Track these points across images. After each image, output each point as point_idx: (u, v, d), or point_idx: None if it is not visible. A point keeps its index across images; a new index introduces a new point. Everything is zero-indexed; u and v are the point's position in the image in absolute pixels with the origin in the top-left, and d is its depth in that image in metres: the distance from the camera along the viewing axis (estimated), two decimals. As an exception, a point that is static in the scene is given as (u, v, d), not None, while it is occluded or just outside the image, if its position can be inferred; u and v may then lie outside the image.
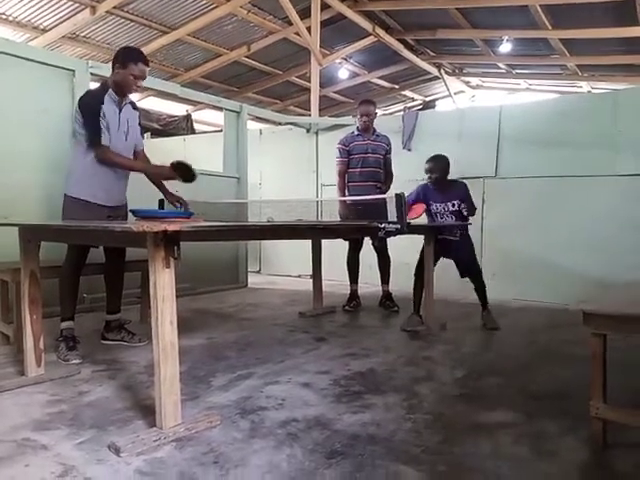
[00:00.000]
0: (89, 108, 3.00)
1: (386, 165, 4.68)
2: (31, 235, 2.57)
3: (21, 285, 2.58)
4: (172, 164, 3.08)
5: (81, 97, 3.10)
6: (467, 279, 4.11)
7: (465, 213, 3.99)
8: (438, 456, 1.86)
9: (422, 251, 4.02)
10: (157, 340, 1.95)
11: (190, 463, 1.78)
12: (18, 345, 2.94)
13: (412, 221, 3.78)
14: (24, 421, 2.12)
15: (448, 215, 4.03)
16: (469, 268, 4.07)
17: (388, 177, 4.68)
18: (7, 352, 3.12)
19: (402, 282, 4.99)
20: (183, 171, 3.07)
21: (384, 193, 4.36)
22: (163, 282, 1.94)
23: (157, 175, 3.24)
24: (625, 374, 2.65)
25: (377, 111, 4.76)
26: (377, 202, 4.08)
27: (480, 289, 4.06)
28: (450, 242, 4.00)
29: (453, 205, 4.00)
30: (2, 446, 1.89)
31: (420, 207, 4.03)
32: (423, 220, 4.13)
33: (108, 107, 3.04)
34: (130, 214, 3.11)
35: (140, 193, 3.37)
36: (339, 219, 4.52)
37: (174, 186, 3.36)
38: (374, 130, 4.64)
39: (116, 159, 3.06)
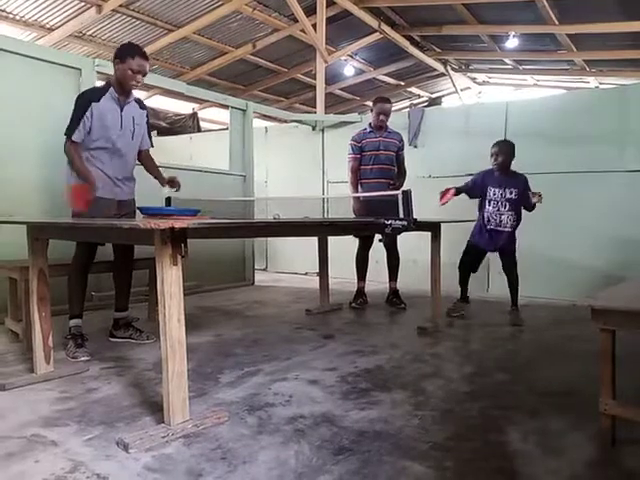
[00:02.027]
0: (77, 104, 3.06)
1: (399, 162, 4.66)
2: (39, 233, 2.58)
3: (30, 283, 2.59)
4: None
5: (79, 94, 3.16)
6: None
7: (516, 200, 4.01)
8: (445, 452, 1.86)
9: (467, 243, 4.19)
10: (165, 337, 1.95)
11: (198, 459, 1.78)
12: (27, 343, 2.97)
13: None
14: (33, 418, 2.13)
15: (504, 203, 4.04)
16: (510, 262, 4.11)
17: (401, 174, 4.66)
18: (16, 349, 3.15)
19: (409, 279, 5.00)
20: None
21: (397, 190, 4.34)
22: (170, 279, 1.94)
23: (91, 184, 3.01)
24: (632, 370, 2.64)
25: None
26: (388, 199, 4.07)
27: (514, 285, 4.11)
28: (501, 234, 4.05)
29: (511, 192, 4.02)
30: (12, 442, 1.90)
31: (449, 193, 4.03)
32: (466, 210, 4.21)
33: (106, 105, 3.05)
34: (138, 212, 3.14)
35: (148, 192, 3.38)
36: (349, 215, 4.52)
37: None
38: (386, 127, 4.63)
39: (72, 157, 3.03)
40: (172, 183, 3.35)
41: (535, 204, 4.03)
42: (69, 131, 3.03)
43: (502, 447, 1.91)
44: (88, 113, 3.00)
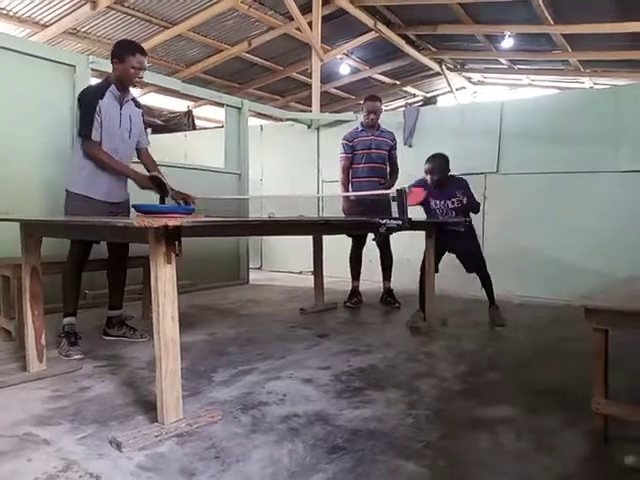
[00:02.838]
0: (85, 102, 3.01)
1: (391, 161, 4.67)
2: (32, 231, 2.57)
3: (22, 281, 2.58)
4: (150, 176, 3.09)
5: (82, 91, 3.12)
6: (472, 275, 4.09)
7: (460, 207, 3.93)
8: (439, 451, 1.87)
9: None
10: (158, 336, 1.95)
11: (191, 458, 1.78)
12: (20, 341, 2.95)
13: (413, 215, 3.78)
14: (26, 416, 2.12)
15: (448, 212, 4.01)
16: (474, 262, 4.03)
17: (393, 173, 4.67)
18: (9, 348, 3.13)
19: (403, 278, 5.01)
20: (158, 185, 3.08)
21: (388, 189, 4.34)
22: (164, 277, 1.94)
23: (137, 182, 3.15)
24: (626, 369, 2.65)
25: (382, 107, 4.74)
26: (380, 198, 4.08)
27: (487, 285, 4.04)
28: (455, 234, 3.92)
29: (452, 203, 3.97)
30: (4, 441, 1.89)
31: (418, 194, 3.91)
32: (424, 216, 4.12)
33: (109, 103, 3.04)
34: (133, 210, 3.12)
35: (144, 190, 3.36)
36: (343, 215, 4.51)
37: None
38: (379, 126, 4.63)
39: (102, 157, 3.03)
40: (185, 199, 3.26)
41: (479, 204, 3.99)
42: (86, 131, 2.96)
43: (496, 446, 1.92)
44: (97, 110, 2.98)
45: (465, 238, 3.96)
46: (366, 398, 2.37)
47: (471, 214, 4.04)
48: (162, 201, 3.55)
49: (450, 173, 4.05)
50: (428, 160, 3.99)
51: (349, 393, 2.44)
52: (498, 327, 3.91)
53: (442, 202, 4.00)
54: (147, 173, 3.32)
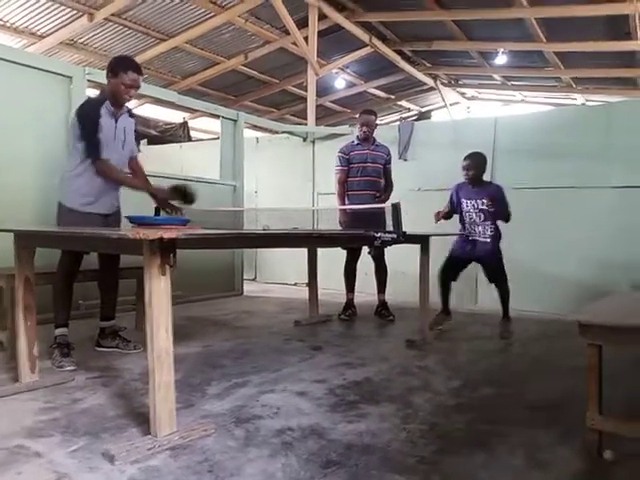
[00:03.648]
0: (87, 121, 2.99)
1: (386, 175, 4.70)
2: (26, 241, 2.56)
3: (15, 291, 2.57)
4: (171, 187, 3.12)
5: (79, 107, 3.07)
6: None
7: (490, 212, 4.03)
8: (433, 466, 1.86)
9: (449, 255, 4.20)
10: (152, 347, 1.94)
11: (185, 472, 1.76)
12: (12, 352, 2.92)
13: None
14: (17, 428, 2.10)
15: (477, 214, 4.08)
16: (496, 273, 4.09)
17: (388, 187, 4.70)
18: (0, 358, 3.09)
19: (398, 291, 5.01)
20: (181, 195, 3.10)
21: (383, 203, 4.37)
22: (158, 290, 1.93)
23: (155, 196, 3.20)
24: (621, 383, 2.66)
25: (377, 121, 4.78)
26: (375, 211, 4.11)
27: (504, 296, 4.10)
28: (481, 244, 4.08)
29: (482, 203, 4.04)
30: (-6, 453, 1.87)
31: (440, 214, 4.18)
32: (455, 224, 4.26)
33: (105, 119, 3.04)
34: (125, 220, 3.11)
35: (135, 200, 3.36)
36: (339, 227, 4.53)
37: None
38: (374, 140, 4.66)
39: (117, 175, 3.07)
40: (176, 211, 3.27)
41: (510, 213, 4.07)
42: (96, 151, 2.97)
43: (489, 461, 1.91)
44: (99, 129, 2.98)
45: (490, 250, 4.07)
46: (360, 412, 2.37)
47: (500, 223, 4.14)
48: (157, 213, 3.55)
49: (447, 188, 4.17)
50: (466, 157, 4.13)
51: (343, 407, 2.43)
52: (503, 339, 3.96)
53: (473, 202, 4.09)
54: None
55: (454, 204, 4.24)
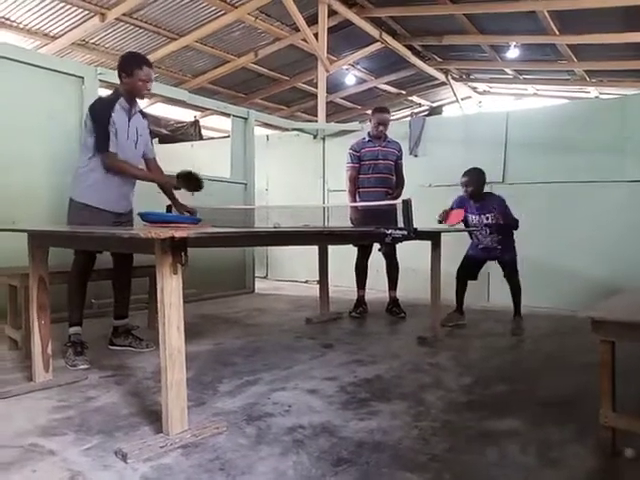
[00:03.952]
0: (99, 115, 3.02)
1: (397, 171, 4.68)
2: (40, 241, 2.58)
3: (30, 290, 2.60)
4: (178, 174, 3.14)
5: (92, 103, 3.12)
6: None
7: (496, 225, 4.09)
8: (444, 464, 1.85)
9: (465, 254, 4.27)
10: (164, 346, 1.95)
11: (197, 470, 1.78)
12: (26, 350, 2.96)
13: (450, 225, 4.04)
14: (31, 427, 2.13)
15: (483, 228, 4.14)
16: (510, 271, 4.14)
17: (399, 183, 4.68)
18: (15, 357, 3.14)
19: (409, 288, 4.99)
20: (188, 181, 3.13)
21: (395, 199, 4.35)
22: (170, 288, 1.95)
23: (163, 184, 3.27)
24: (631, 381, 2.63)
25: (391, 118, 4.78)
26: (387, 208, 4.09)
27: (516, 295, 4.14)
28: (493, 250, 4.17)
29: (487, 218, 4.11)
30: (9, 451, 1.89)
31: (459, 214, 4.13)
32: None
33: (119, 115, 3.06)
34: (137, 220, 3.14)
35: (147, 199, 3.38)
36: (350, 224, 4.52)
37: (183, 196, 3.38)
38: (385, 136, 4.64)
39: (123, 167, 3.08)
40: (190, 213, 3.35)
41: (517, 220, 4.11)
42: (104, 145, 2.99)
43: (502, 458, 1.90)
44: (111, 123, 3.01)
45: (506, 248, 4.14)
46: (372, 409, 2.36)
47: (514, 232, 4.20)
48: (169, 209, 3.58)
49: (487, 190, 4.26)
50: (464, 174, 4.19)
51: (355, 404, 2.43)
52: (514, 336, 3.96)
53: (478, 217, 4.15)
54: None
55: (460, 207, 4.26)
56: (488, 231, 4.12)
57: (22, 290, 3.03)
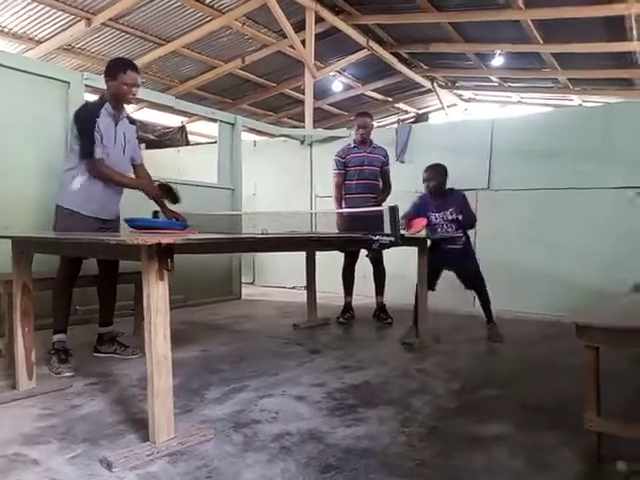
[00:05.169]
0: (84, 120, 3.00)
1: (384, 177, 4.69)
2: (24, 247, 2.55)
3: (13, 297, 2.56)
4: (159, 184, 3.18)
5: (77, 109, 3.10)
6: (467, 292, 4.12)
7: (460, 220, 3.99)
8: (433, 470, 1.86)
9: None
10: (150, 353, 1.94)
11: (183, 478, 1.76)
12: (9, 358, 2.91)
13: (412, 234, 3.84)
14: (15, 435, 2.09)
15: (447, 224, 4.06)
16: (473, 279, 4.06)
17: (386, 189, 4.69)
18: (-2, 365, 3.09)
19: (396, 294, 5.00)
20: (167, 193, 3.18)
21: (380, 204, 4.35)
22: (157, 294, 1.93)
23: (148, 192, 3.23)
24: (618, 384, 2.65)
25: (373, 123, 4.79)
26: (373, 214, 4.10)
27: (484, 301, 4.07)
28: (452, 252, 4.02)
29: (451, 214, 4.04)
30: (-8, 461, 1.86)
31: (420, 221, 4.03)
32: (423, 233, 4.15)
33: (104, 121, 3.04)
34: (123, 226, 3.11)
35: (133, 205, 3.36)
36: (337, 231, 4.52)
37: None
38: (371, 142, 4.66)
39: (108, 173, 3.05)
40: (177, 218, 3.31)
41: (476, 219, 4.07)
42: (89, 149, 2.97)
43: (490, 464, 1.91)
44: (96, 128, 2.98)
45: (463, 256, 4.03)
46: (359, 416, 2.36)
47: (468, 231, 4.10)
48: (155, 215, 3.56)
49: (450, 187, 4.16)
50: (426, 169, 4.15)
51: (342, 410, 2.43)
52: (495, 342, 3.92)
53: (441, 213, 4.07)
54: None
55: (420, 213, 4.13)
56: (454, 227, 4.04)
57: (5, 297, 2.98)
